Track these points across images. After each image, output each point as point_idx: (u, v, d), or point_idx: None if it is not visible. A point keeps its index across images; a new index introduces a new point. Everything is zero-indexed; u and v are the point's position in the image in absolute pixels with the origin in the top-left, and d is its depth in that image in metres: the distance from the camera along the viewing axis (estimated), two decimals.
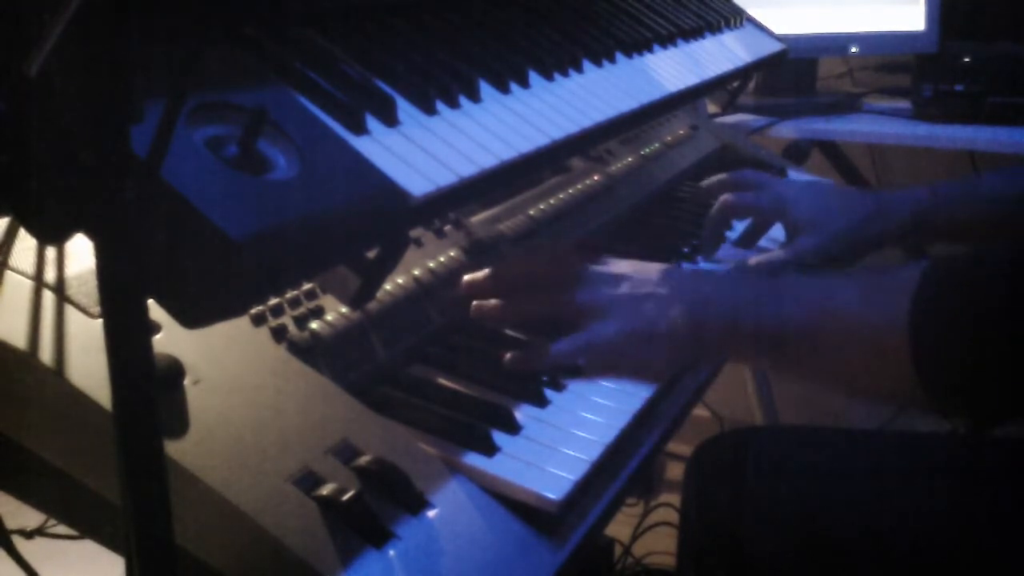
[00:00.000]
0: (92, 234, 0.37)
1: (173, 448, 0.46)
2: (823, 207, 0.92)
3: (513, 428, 0.59)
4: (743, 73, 1.18)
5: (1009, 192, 0.90)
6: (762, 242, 1.00)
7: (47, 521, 1.05)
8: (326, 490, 0.48)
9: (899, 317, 0.59)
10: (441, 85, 0.62)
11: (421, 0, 0.74)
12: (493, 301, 0.72)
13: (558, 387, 0.65)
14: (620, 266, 0.74)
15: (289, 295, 0.62)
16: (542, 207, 0.90)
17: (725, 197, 0.95)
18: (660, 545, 1.60)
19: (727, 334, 0.67)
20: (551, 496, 0.53)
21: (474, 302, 0.73)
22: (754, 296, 0.68)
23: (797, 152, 1.48)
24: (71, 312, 0.51)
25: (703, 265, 0.93)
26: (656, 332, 0.68)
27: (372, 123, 0.55)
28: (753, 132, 1.51)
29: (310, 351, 0.59)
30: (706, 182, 1.03)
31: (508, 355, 0.67)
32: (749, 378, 1.79)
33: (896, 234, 0.93)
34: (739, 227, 1.02)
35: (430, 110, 0.60)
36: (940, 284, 0.61)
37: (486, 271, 0.74)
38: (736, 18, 1.24)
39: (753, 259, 0.92)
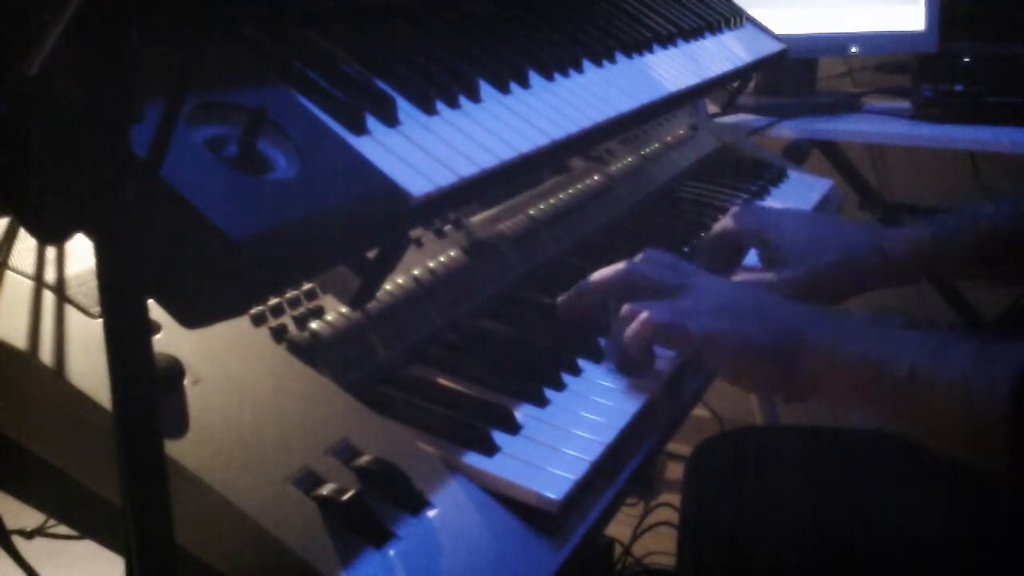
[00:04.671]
0: (92, 234, 0.37)
1: (173, 448, 0.46)
2: (813, 236, 0.86)
3: (513, 428, 0.59)
4: (743, 73, 1.18)
5: (1007, 227, 0.87)
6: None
7: (47, 521, 1.05)
8: (326, 490, 0.48)
9: (1002, 390, 0.58)
10: (441, 85, 0.62)
11: (421, 0, 0.74)
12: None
13: (558, 387, 0.65)
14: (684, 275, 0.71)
15: (289, 295, 0.62)
16: (542, 207, 0.90)
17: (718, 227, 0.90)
18: (660, 545, 1.59)
19: (824, 364, 0.65)
20: (551, 496, 0.53)
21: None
22: (858, 334, 0.66)
23: (797, 152, 1.48)
24: (71, 312, 0.51)
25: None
26: (750, 349, 0.65)
27: (372, 123, 0.55)
28: (753, 132, 1.51)
29: (310, 351, 0.59)
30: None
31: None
32: None
33: (892, 272, 0.87)
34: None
35: (430, 110, 0.60)
36: None
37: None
38: (736, 18, 1.24)
39: (740, 275, 0.87)
